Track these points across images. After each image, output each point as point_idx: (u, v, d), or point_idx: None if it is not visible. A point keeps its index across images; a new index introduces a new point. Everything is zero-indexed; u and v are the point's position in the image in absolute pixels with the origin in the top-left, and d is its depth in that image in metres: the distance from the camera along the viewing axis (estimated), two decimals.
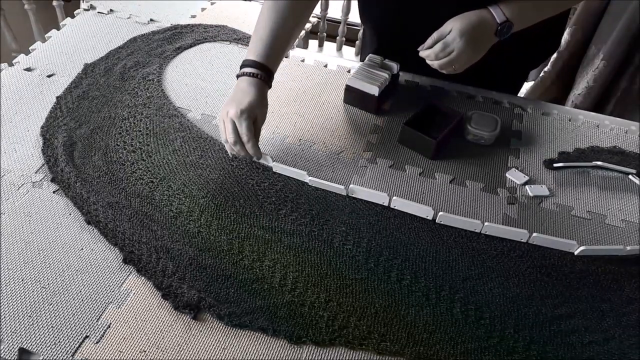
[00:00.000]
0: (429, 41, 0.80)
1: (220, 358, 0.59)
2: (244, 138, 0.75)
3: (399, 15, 0.92)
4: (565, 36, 1.48)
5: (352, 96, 0.92)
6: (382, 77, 0.88)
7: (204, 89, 0.95)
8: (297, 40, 1.13)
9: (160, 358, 0.58)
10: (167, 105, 0.90)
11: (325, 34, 1.79)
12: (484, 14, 0.77)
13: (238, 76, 0.79)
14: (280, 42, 0.81)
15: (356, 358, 0.60)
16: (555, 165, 0.84)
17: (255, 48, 0.80)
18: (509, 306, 0.65)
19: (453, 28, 0.77)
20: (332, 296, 0.65)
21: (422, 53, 0.81)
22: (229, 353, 0.59)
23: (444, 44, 0.77)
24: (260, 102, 0.78)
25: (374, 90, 0.87)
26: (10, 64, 0.97)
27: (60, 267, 0.66)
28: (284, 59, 1.03)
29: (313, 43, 1.81)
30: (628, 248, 0.71)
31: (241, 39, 1.08)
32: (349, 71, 1.01)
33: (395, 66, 0.91)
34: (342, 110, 0.93)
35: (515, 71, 1.04)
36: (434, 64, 0.80)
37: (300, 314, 0.63)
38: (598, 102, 1.47)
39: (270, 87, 0.81)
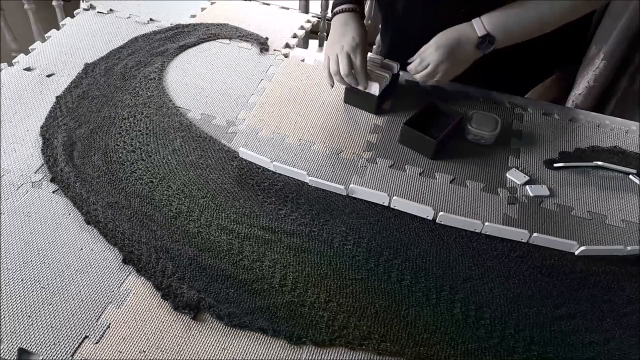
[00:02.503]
0: (415, 55, 0.85)
1: (220, 358, 0.58)
2: (359, 68, 0.83)
3: (403, 15, 0.93)
4: None
5: (353, 96, 0.91)
6: (383, 76, 0.88)
7: (204, 88, 0.95)
8: (297, 40, 1.13)
9: (160, 358, 0.58)
10: (167, 105, 0.90)
11: (325, 34, 1.79)
12: (466, 27, 0.81)
13: (334, 14, 0.88)
14: None
15: (356, 358, 0.60)
16: (555, 165, 0.84)
17: None
18: (510, 306, 0.65)
19: (431, 42, 0.82)
20: (332, 296, 0.65)
21: (408, 68, 0.87)
22: (229, 353, 0.59)
23: (420, 59, 0.84)
24: (363, 33, 0.86)
25: (375, 90, 0.87)
26: (10, 64, 0.97)
27: (59, 267, 0.66)
28: (284, 58, 1.03)
29: (313, 43, 1.81)
30: (628, 248, 0.71)
31: (244, 36, 1.08)
32: None
33: (395, 66, 0.91)
34: (342, 110, 0.92)
35: (528, 82, 1.04)
36: (416, 77, 0.86)
37: (300, 314, 0.63)
38: (598, 102, 1.46)
39: (365, 17, 0.91)
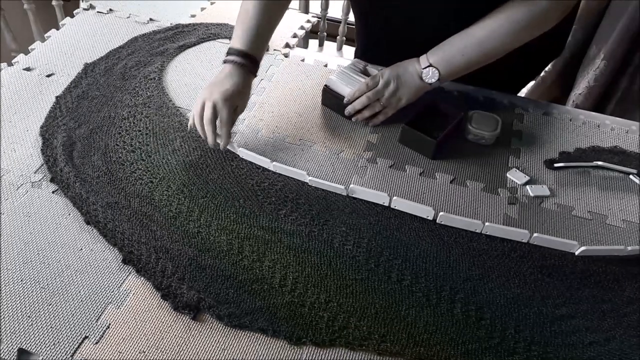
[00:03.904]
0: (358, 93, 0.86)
1: (220, 358, 0.58)
2: (221, 124, 0.77)
3: (392, 14, 0.93)
4: None
5: (328, 98, 0.90)
6: (360, 82, 0.87)
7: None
8: (297, 40, 1.13)
9: (160, 358, 0.58)
10: (167, 105, 0.90)
11: (325, 34, 1.78)
12: (413, 60, 0.84)
13: (225, 62, 0.81)
14: (264, 31, 0.84)
15: (356, 359, 0.59)
16: (555, 165, 0.84)
17: (241, 37, 0.82)
18: (510, 306, 0.65)
19: (383, 71, 0.85)
20: (332, 297, 0.65)
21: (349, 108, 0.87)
22: (229, 354, 0.59)
23: (376, 93, 0.84)
24: (244, 91, 0.81)
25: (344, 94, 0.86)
26: (10, 64, 0.97)
27: (59, 268, 0.66)
28: (284, 58, 1.03)
29: (313, 43, 1.81)
30: (629, 248, 0.71)
31: None
32: None
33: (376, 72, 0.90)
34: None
35: (516, 77, 1.04)
36: (365, 113, 0.87)
37: (300, 314, 0.63)
38: (599, 102, 1.46)
39: (255, 76, 0.84)
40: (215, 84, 0.79)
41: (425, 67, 0.82)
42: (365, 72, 0.90)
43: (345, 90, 0.87)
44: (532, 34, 0.78)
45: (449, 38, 0.81)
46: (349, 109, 0.87)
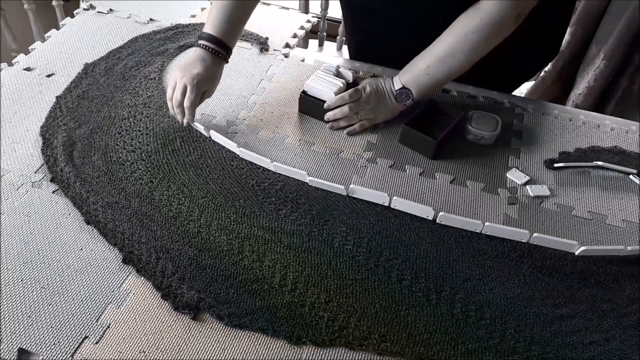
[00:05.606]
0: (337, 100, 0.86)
1: (220, 358, 0.58)
2: (187, 103, 0.80)
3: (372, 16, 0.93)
4: (566, 36, 1.48)
5: (307, 104, 0.90)
6: (337, 85, 0.86)
7: None
8: (297, 40, 1.13)
9: (160, 358, 0.58)
10: (167, 105, 0.90)
11: (325, 34, 1.78)
12: (389, 80, 0.85)
13: (197, 45, 0.83)
14: (238, 18, 0.86)
15: (356, 359, 0.60)
16: (555, 165, 0.84)
17: (214, 22, 0.83)
18: (510, 306, 0.65)
19: (364, 85, 0.86)
20: (332, 296, 0.65)
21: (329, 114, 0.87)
22: (229, 353, 0.59)
23: (357, 105, 0.85)
24: (214, 76, 0.83)
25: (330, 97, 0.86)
26: (10, 64, 0.97)
27: (59, 267, 0.66)
28: (284, 58, 1.03)
29: (313, 43, 1.80)
30: (629, 248, 0.71)
31: (244, 36, 1.08)
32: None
33: (350, 74, 0.90)
34: None
35: (513, 77, 1.04)
36: (341, 123, 0.87)
37: (300, 314, 0.63)
38: (599, 102, 1.46)
39: (227, 62, 0.85)
40: (186, 66, 0.81)
41: (399, 89, 0.83)
42: (339, 75, 0.90)
43: (325, 92, 0.86)
44: (489, 42, 0.77)
45: (415, 57, 0.82)
46: (329, 115, 0.87)
